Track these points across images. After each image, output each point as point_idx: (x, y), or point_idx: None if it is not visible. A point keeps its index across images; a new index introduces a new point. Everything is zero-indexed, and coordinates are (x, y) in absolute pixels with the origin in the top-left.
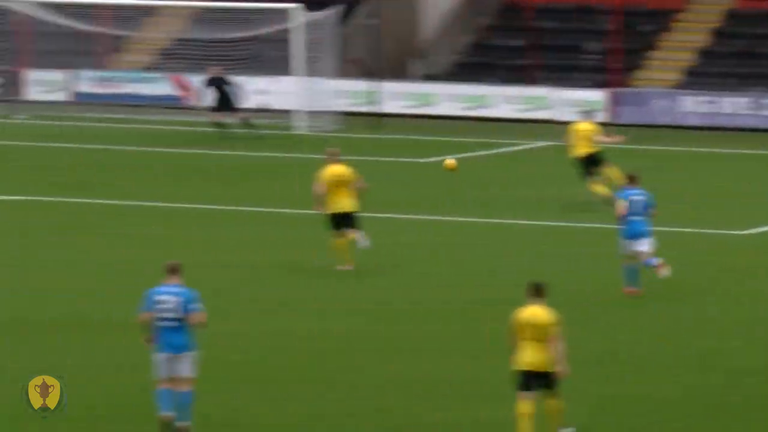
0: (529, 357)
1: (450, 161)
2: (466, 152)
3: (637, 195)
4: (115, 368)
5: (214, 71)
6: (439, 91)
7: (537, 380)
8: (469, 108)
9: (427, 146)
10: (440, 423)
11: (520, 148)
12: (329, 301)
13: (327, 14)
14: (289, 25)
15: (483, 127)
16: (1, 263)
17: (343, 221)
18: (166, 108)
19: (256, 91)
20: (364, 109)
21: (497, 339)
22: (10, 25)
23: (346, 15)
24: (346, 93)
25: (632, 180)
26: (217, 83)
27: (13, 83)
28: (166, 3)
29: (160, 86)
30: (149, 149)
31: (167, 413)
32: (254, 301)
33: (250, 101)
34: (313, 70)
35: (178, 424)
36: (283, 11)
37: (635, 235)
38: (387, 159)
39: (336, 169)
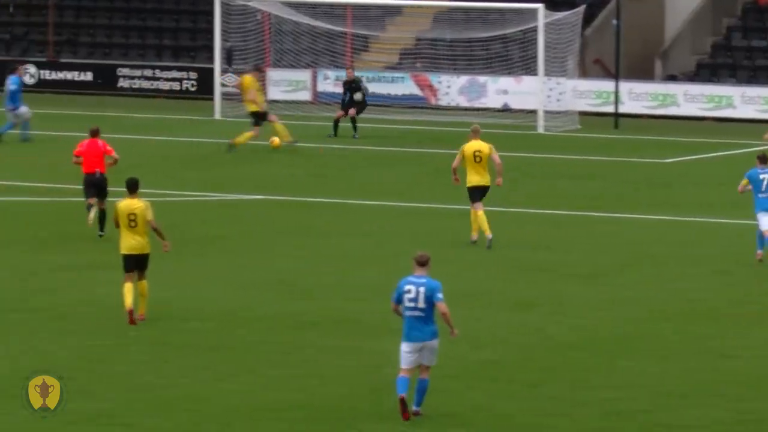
0: None
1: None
2: (707, 152)
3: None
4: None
5: (350, 75)
6: (680, 91)
7: None
8: (709, 108)
9: (667, 146)
10: None
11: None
12: (579, 300)
13: (570, 15)
14: (533, 25)
15: (723, 128)
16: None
17: (478, 194)
18: (408, 108)
19: (498, 90)
20: (604, 109)
21: None
22: (255, 24)
23: (589, 15)
24: (587, 93)
25: (762, 160)
26: (349, 86)
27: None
28: (411, 3)
29: (403, 86)
30: (393, 149)
31: (403, 394)
32: (499, 297)
33: (492, 101)
34: (555, 70)
35: (415, 409)
36: (527, 11)
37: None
38: (626, 159)
39: (475, 145)
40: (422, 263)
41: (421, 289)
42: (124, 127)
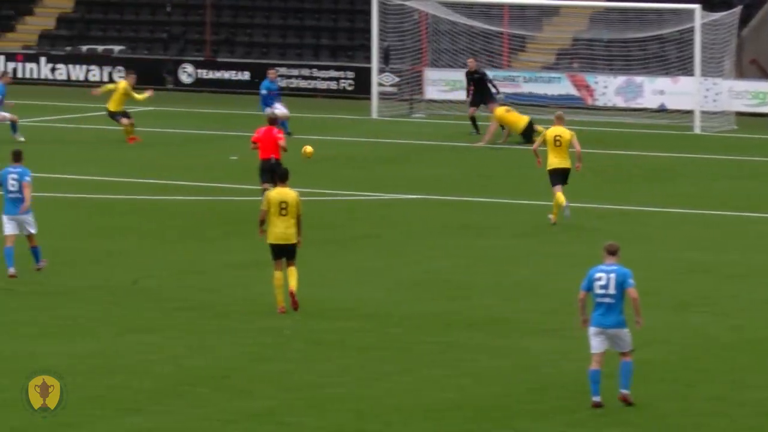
0: None
1: (308, 149)
2: None
3: None
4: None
5: (472, 65)
6: None
7: None
8: None
9: None
10: None
11: None
12: (737, 300)
13: (727, 15)
14: (689, 25)
15: None
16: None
17: (559, 177)
18: (564, 108)
19: (654, 91)
20: (761, 109)
21: None
22: (412, 24)
23: (746, 16)
24: (743, 93)
25: None
26: (472, 77)
27: (413, 82)
28: (568, 3)
29: (559, 86)
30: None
31: (597, 398)
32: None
33: (648, 101)
34: (711, 70)
35: (624, 392)
36: (684, 12)
37: None
38: None
39: (557, 130)
40: (612, 252)
41: (612, 276)
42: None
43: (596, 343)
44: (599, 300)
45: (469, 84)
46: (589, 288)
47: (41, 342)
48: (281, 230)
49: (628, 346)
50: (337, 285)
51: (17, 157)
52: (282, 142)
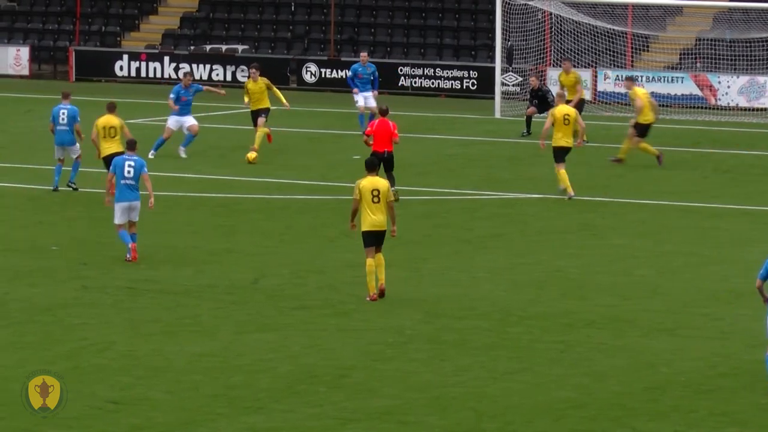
0: None
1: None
2: None
3: None
4: None
5: (535, 83)
6: None
7: None
8: None
9: None
10: None
11: None
12: None
13: None
14: None
15: None
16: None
17: (563, 155)
18: (688, 108)
19: None
20: None
21: None
22: (536, 23)
23: None
24: None
25: None
26: (536, 95)
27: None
28: (692, 3)
29: (682, 86)
30: (671, 149)
31: None
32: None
33: None
34: None
35: None
36: None
37: None
38: None
39: (565, 109)
40: None
41: None
42: (404, 125)
43: None
44: None
45: (531, 102)
46: (766, 277)
47: (163, 340)
48: (374, 218)
49: None
50: (459, 284)
51: (132, 146)
52: (397, 138)
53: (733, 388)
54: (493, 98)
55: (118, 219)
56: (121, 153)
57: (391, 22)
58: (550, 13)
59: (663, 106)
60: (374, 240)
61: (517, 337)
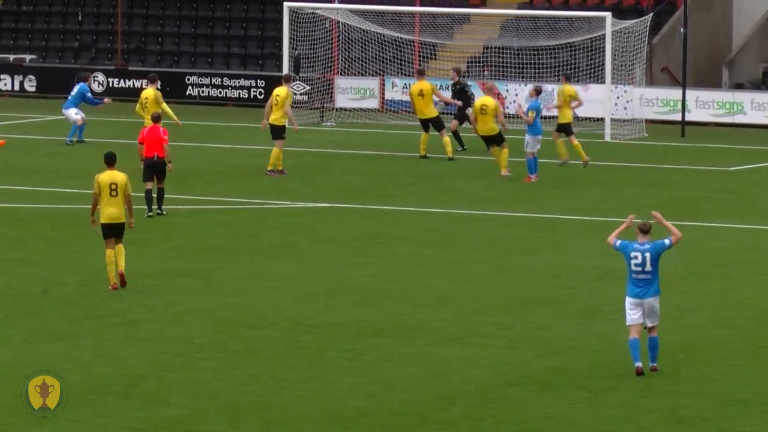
0: None
1: None
2: None
3: None
4: None
5: (455, 76)
6: (747, 99)
7: None
8: None
9: (734, 154)
10: None
11: None
12: None
13: (637, 23)
14: (600, 33)
15: None
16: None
17: (489, 141)
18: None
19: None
20: (671, 117)
21: None
22: (324, 32)
23: (656, 24)
24: (654, 101)
25: None
26: (455, 88)
27: (324, 90)
28: (479, 11)
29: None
30: (463, 157)
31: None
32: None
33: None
34: (622, 78)
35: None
36: (594, 20)
37: None
38: (693, 167)
39: (483, 100)
40: (645, 231)
41: (647, 255)
42: (193, 134)
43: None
44: (635, 276)
45: (454, 96)
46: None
47: None
48: (111, 211)
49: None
50: (249, 293)
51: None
52: (166, 144)
53: (522, 396)
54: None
55: None
56: None
57: (179, 31)
58: (338, 22)
59: (449, 114)
60: (112, 232)
61: (307, 345)
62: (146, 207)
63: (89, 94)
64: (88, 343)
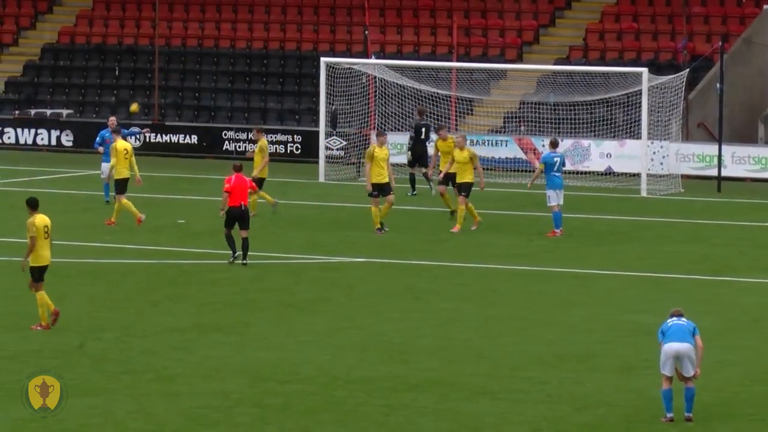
0: None
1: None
2: None
3: None
4: None
5: (419, 117)
6: None
7: None
8: None
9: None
10: None
11: None
12: None
13: (674, 78)
14: (637, 88)
15: None
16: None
17: (455, 187)
18: (512, 171)
19: (602, 154)
20: (707, 172)
21: None
22: (360, 87)
23: (693, 79)
24: (690, 156)
25: None
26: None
27: (361, 146)
28: (516, 67)
29: (506, 149)
30: (495, 212)
31: None
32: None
33: (595, 164)
34: (658, 133)
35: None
36: (631, 75)
37: None
38: (730, 222)
39: (448, 144)
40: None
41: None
42: None
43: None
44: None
45: (415, 138)
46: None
47: None
48: (47, 253)
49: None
50: (283, 348)
51: None
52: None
53: None
54: (317, 162)
55: None
56: None
57: (215, 86)
58: (374, 77)
59: (487, 169)
60: (41, 275)
61: (342, 400)
62: (230, 251)
63: (108, 133)
64: (122, 397)
